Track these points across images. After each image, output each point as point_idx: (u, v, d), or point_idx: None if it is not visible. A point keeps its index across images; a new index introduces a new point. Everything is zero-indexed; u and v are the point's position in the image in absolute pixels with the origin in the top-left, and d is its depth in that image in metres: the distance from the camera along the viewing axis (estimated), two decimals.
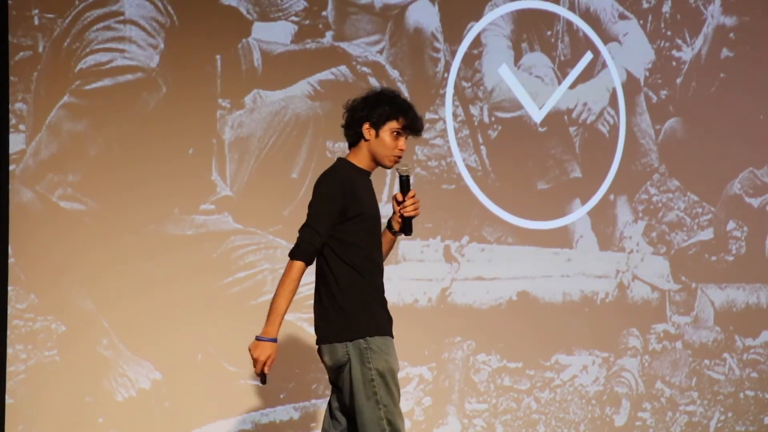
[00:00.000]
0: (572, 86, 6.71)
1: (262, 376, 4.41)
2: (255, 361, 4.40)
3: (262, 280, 5.89)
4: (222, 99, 5.82)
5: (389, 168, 4.52)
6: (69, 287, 5.53)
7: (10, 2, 5.43)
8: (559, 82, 6.67)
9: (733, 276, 7.14)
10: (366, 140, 4.45)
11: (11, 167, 5.43)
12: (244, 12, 5.88)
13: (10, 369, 5.43)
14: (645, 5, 6.94)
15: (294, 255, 4.35)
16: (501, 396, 6.47)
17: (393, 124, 4.43)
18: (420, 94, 6.28)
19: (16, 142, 5.45)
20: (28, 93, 5.48)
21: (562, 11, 6.69)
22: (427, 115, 6.31)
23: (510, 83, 6.53)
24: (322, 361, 4.48)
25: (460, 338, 6.29)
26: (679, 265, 6.98)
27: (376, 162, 4.48)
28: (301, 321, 5.95)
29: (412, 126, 4.46)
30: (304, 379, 5.97)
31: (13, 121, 5.45)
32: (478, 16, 6.47)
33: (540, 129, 6.63)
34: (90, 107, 5.56)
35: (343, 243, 4.38)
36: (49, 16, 5.51)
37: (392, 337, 4.48)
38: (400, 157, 4.47)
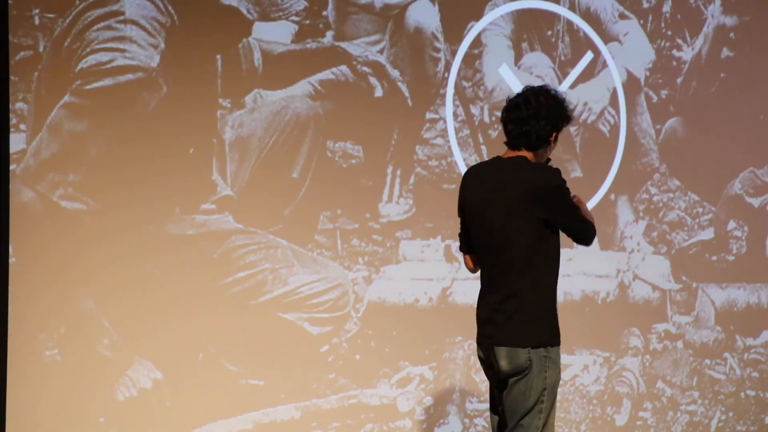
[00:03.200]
0: (572, 86, 6.71)
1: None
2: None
3: (263, 279, 5.89)
4: (222, 99, 5.83)
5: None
6: (70, 287, 5.54)
7: (10, 2, 5.44)
8: (560, 82, 6.67)
9: (734, 276, 7.14)
10: (547, 147, 4.54)
11: (12, 167, 5.43)
12: (245, 12, 5.88)
13: (10, 368, 5.43)
14: (645, 5, 6.94)
15: (592, 232, 4.60)
16: None
17: (561, 130, 4.58)
18: (420, 94, 6.28)
19: (16, 141, 5.45)
20: (28, 93, 5.48)
21: (562, 11, 6.69)
22: (428, 115, 6.31)
23: (510, 83, 6.53)
24: (492, 361, 4.47)
25: (461, 338, 6.29)
26: (680, 265, 6.98)
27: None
28: (301, 320, 5.96)
29: None
30: (305, 379, 5.97)
31: (13, 120, 5.45)
32: (478, 16, 6.47)
33: None
34: (90, 107, 5.57)
35: (551, 247, 4.46)
36: (50, 15, 5.51)
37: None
38: None
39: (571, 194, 4.55)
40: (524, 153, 4.52)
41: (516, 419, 4.40)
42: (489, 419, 6.47)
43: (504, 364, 4.40)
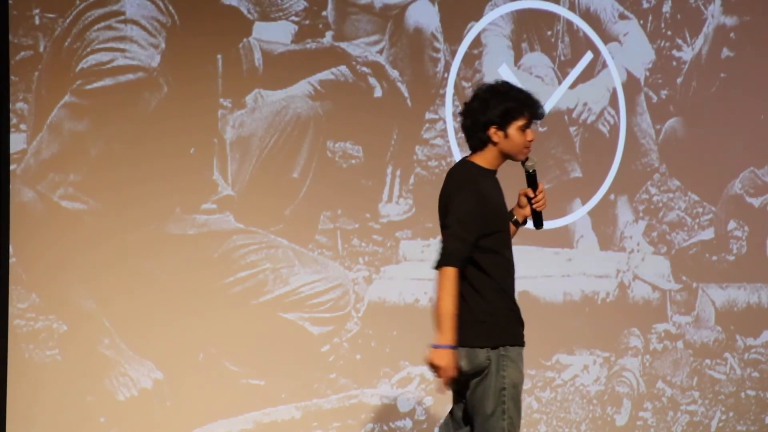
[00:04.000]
0: (572, 86, 6.71)
1: (451, 382, 4.34)
2: (440, 369, 4.29)
3: (264, 279, 5.89)
4: (223, 98, 5.83)
5: (521, 160, 4.46)
6: (70, 287, 5.54)
7: (10, 2, 5.44)
8: (560, 82, 6.68)
9: (734, 276, 7.14)
10: (495, 143, 4.38)
11: (12, 167, 5.44)
12: (245, 12, 5.89)
13: (11, 368, 5.43)
14: (645, 5, 6.95)
15: (440, 264, 4.29)
16: None
17: (519, 121, 4.36)
18: (420, 94, 6.28)
19: (17, 141, 5.45)
20: (29, 93, 5.48)
21: (562, 11, 6.69)
22: (427, 115, 6.32)
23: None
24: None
25: None
26: (680, 265, 6.98)
27: (505, 158, 4.42)
28: (302, 320, 5.96)
29: (536, 115, 4.40)
30: (306, 379, 5.97)
31: (14, 120, 5.45)
32: (478, 16, 6.47)
33: (540, 129, 6.63)
34: (91, 107, 5.57)
35: (482, 249, 4.33)
36: (50, 15, 5.52)
37: (524, 345, 4.42)
38: (529, 148, 4.43)
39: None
40: (474, 156, 4.44)
41: (480, 422, 4.33)
42: None
43: (464, 364, 4.34)
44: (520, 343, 4.39)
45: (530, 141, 4.41)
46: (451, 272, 4.27)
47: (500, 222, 4.40)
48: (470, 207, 4.32)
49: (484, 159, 4.42)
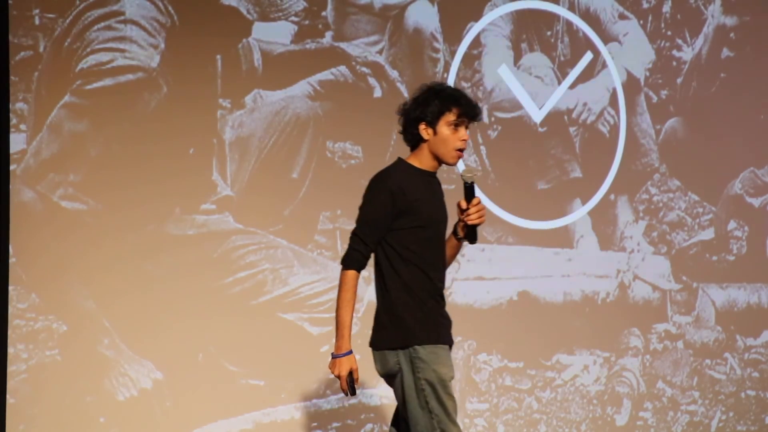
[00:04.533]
0: (572, 86, 6.72)
1: (351, 389, 4.31)
2: (338, 378, 4.31)
3: (263, 279, 5.89)
4: (222, 99, 5.83)
5: (453, 165, 4.40)
6: (70, 287, 5.54)
7: (10, 2, 5.45)
8: (559, 82, 6.68)
9: (734, 276, 7.15)
10: (425, 140, 4.33)
11: (12, 167, 5.44)
12: (245, 12, 5.89)
13: (11, 368, 5.43)
14: (645, 5, 6.95)
15: (343, 264, 4.31)
16: (502, 396, 6.48)
17: (448, 117, 4.30)
18: None
19: (16, 141, 5.46)
20: (28, 93, 5.49)
21: (561, 11, 6.70)
22: None
23: (510, 83, 6.54)
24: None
25: (461, 338, 6.29)
26: (680, 265, 6.98)
27: (440, 161, 4.37)
28: (301, 320, 5.96)
29: (468, 113, 4.32)
30: (305, 379, 5.97)
31: (13, 120, 5.46)
32: (477, 17, 6.47)
33: (540, 129, 6.64)
34: (91, 107, 5.57)
35: (395, 248, 4.30)
36: (50, 15, 5.52)
37: (447, 344, 4.34)
38: (462, 150, 4.34)
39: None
40: (409, 155, 4.42)
41: (411, 424, 4.28)
42: (488, 419, 6.48)
43: (378, 368, 4.36)
44: (434, 341, 4.29)
45: (463, 141, 4.33)
46: (349, 276, 4.31)
47: (419, 219, 4.30)
48: (373, 208, 4.31)
49: (417, 159, 4.38)
